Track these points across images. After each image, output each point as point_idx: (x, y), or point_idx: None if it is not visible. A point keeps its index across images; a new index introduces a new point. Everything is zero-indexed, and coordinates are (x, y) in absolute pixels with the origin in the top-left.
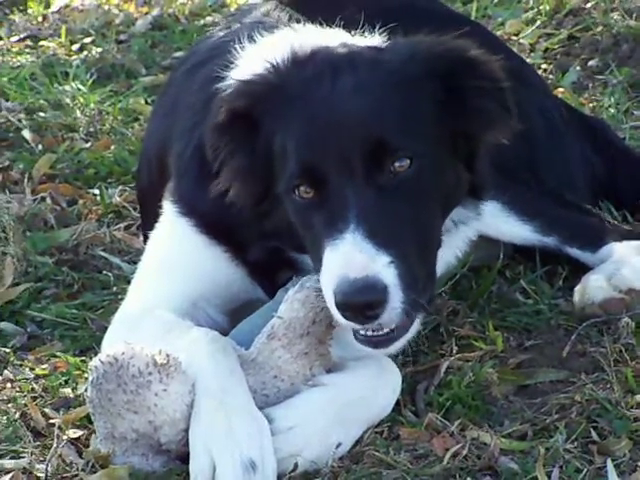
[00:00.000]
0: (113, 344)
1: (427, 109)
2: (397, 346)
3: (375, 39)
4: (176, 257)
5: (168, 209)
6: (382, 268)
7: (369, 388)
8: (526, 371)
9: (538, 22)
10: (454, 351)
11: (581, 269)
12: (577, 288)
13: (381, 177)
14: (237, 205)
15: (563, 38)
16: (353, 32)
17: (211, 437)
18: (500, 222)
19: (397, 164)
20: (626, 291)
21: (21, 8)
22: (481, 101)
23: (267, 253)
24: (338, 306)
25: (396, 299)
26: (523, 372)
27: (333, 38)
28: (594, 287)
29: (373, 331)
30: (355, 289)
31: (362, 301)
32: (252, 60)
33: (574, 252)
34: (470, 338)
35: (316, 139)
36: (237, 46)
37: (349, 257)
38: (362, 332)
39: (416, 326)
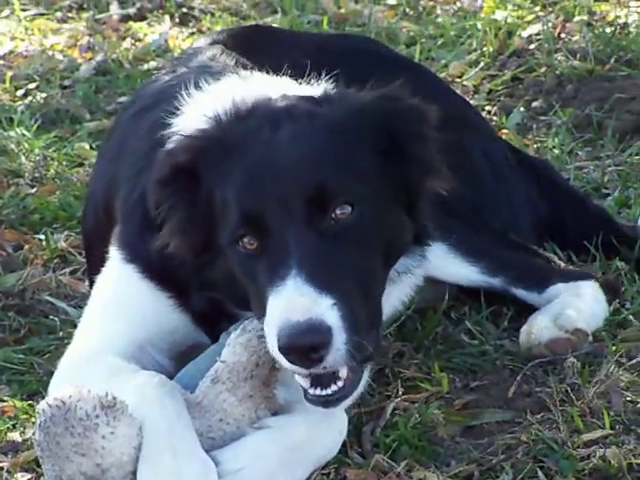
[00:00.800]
0: (60, 388)
1: (366, 157)
2: (347, 403)
3: (321, 87)
4: (121, 302)
5: (114, 255)
6: (325, 310)
7: (315, 430)
8: (472, 412)
9: (482, 64)
10: (400, 392)
11: (527, 310)
12: (523, 328)
13: (322, 223)
14: (178, 257)
15: (507, 79)
16: (299, 80)
17: None
18: (446, 264)
19: (339, 211)
20: (572, 331)
21: None
22: (418, 148)
23: (208, 303)
24: (282, 350)
25: (340, 340)
26: (469, 413)
27: (277, 88)
28: (540, 327)
29: (322, 389)
30: (299, 331)
31: (306, 343)
32: (197, 108)
33: (520, 293)
34: (416, 379)
35: (256, 188)
36: (183, 92)
37: (291, 301)
38: (311, 392)
39: (364, 382)
